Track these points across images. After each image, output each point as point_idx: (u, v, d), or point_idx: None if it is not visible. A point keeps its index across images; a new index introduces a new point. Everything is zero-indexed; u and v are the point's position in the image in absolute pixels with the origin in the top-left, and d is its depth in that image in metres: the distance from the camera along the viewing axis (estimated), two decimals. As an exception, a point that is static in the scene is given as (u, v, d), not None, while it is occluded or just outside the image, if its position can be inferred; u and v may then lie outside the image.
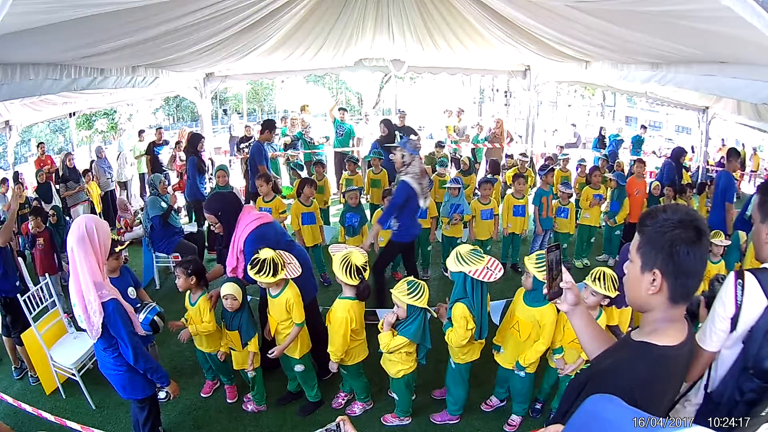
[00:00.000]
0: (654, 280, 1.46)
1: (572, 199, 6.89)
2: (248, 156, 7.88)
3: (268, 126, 7.70)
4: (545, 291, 1.71)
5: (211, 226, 4.01)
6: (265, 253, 3.48)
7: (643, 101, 20.06)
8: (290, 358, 3.80)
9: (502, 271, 3.43)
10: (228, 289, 3.68)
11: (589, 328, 1.76)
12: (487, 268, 3.32)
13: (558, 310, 3.38)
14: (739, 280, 1.99)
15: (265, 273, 3.42)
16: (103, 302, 2.84)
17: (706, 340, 2.04)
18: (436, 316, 3.62)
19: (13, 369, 4.66)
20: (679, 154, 8.48)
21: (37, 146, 9.45)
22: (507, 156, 10.65)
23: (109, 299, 2.87)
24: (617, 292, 3.25)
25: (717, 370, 2.08)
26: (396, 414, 3.87)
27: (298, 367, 3.84)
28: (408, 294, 3.33)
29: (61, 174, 8.76)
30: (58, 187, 8.69)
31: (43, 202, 8.24)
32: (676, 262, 1.41)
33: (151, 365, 3.13)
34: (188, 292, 3.93)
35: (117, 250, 3.87)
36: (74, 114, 10.68)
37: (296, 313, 3.61)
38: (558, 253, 1.66)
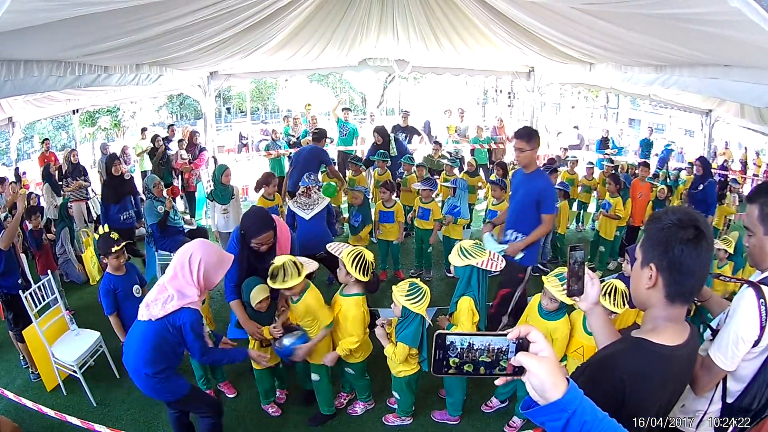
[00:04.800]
0: (651, 275, 1.50)
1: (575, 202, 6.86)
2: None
3: (324, 135, 7.71)
4: (565, 288, 1.72)
5: (261, 247, 3.61)
6: (280, 260, 3.36)
7: (647, 104, 20.03)
8: (309, 363, 3.72)
9: (504, 262, 3.55)
10: (261, 293, 3.57)
11: (605, 329, 1.78)
12: (491, 260, 3.44)
13: (570, 324, 3.41)
14: (762, 300, 1.89)
15: (288, 278, 3.31)
16: (187, 307, 2.84)
17: (728, 363, 1.93)
18: (433, 325, 3.59)
19: (21, 358, 4.67)
20: (709, 165, 7.89)
21: (42, 142, 9.44)
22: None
23: (195, 309, 2.88)
24: (625, 308, 3.21)
25: (733, 380, 2.03)
26: (397, 414, 3.86)
27: (314, 376, 3.75)
28: (406, 296, 3.32)
29: (64, 170, 8.77)
30: (61, 183, 8.71)
31: (55, 195, 8.33)
32: (671, 259, 1.45)
33: (223, 357, 3.25)
34: None
35: (114, 250, 3.86)
36: (77, 111, 10.70)
37: (323, 315, 3.52)
38: (582, 253, 1.67)
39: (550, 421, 1.11)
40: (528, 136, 4.25)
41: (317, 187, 5.36)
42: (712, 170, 7.99)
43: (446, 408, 3.90)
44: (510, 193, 4.78)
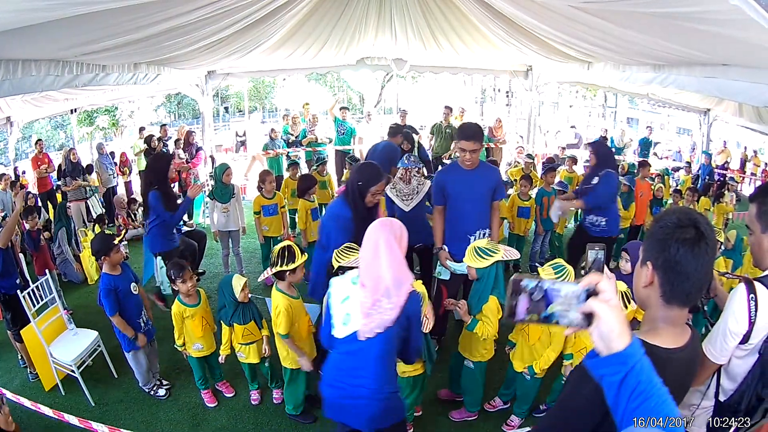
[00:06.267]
0: (647, 273, 1.50)
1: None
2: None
3: (399, 131, 7.42)
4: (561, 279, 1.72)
5: (375, 198, 3.72)
6: (283, 243, 3.53)
7: (645, 103, 20.04)
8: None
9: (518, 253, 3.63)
10: (241, 280, 3.71)
11: None
12: (506, 249, 3.51)
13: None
14: (752, 295, 1.95)
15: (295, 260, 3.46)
16: (411, 292, 2.44)
17: (717, 355, 2.00)
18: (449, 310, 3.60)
19: (19, 358, 4.65)
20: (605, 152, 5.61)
21: (36, 143, 9.39)
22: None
23: (415, 291, 2.49)
24: (627, 309, 3.19)
25: (727, 378, 2.06)
26: None
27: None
28: None
29: (63, 169, 8.75)
30: (59, 183, 8.70)
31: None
32: (666, 258, 1.44)
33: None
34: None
35: (116, 242, 3.87)
36: (75, 110, 10.69)
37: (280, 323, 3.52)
38: (601, 252, 1.68)
39: (609, 375, 1.13)
40: (478, 135, 4.02)
41: (417, 169, 5.01)
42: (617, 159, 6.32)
43: (464, 406, 3.90)
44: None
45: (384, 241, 2.41)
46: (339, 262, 3.46)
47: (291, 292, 3.60)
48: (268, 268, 3.55)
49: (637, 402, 1.10)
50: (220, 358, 3.96)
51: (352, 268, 3.44)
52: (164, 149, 9.80)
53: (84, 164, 9.21)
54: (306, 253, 3.63)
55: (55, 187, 8.92)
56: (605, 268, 1.70)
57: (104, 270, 3.91)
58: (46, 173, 8.86)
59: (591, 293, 1.15)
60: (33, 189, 8.95)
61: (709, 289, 2.31)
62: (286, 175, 7.98)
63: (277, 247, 3.52)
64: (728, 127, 13.16)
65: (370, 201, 3.69)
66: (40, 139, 9.60)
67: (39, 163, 8.92)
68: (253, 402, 4.12)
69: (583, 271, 1.73)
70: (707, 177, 11.15)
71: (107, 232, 4.02)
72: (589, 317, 1.15)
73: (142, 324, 4.03)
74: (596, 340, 1.14)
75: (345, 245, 3.57)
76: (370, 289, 2.39)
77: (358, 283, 2.45)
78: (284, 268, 3.45)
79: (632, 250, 3.47)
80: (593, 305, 1.13)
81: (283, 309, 3.45)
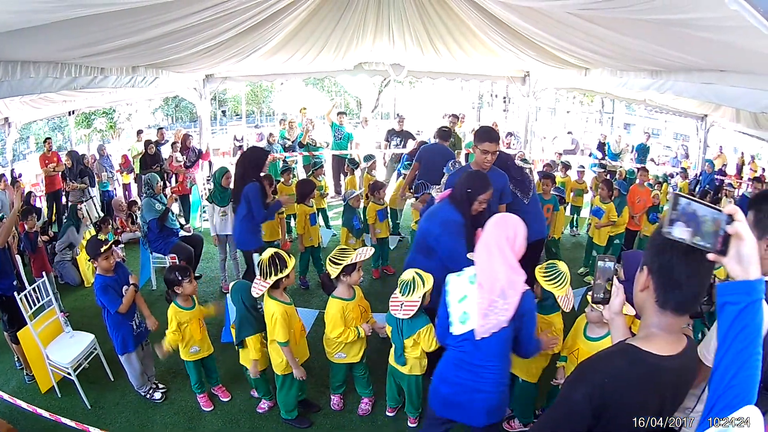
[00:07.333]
0: (644, 277, 1.52)
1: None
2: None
3: (449, 134, 7.22)
4: (588, 295, 1.74)
5: (482, 206, 3.72)
6: (269, 252, 3.51)
7: (642, 108, 20.09)
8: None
9: None
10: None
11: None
12: None
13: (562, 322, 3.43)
14: None
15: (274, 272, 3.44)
16: (525, 291, 2.49)
17: (710, 358, 1.97)
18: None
19: (15, 359, 4.63)
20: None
21: (44, 142, 9.33)
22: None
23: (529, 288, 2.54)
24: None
25: None
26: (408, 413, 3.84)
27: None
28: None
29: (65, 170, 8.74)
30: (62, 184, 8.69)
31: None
32: (661, 263, 1.46)
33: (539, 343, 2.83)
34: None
35: (102, 250, 3.85)
36: (73, 112, 10.68)
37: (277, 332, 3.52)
38: (611, 264, 1.71)
39: (732, 303, 1.19)
40: (498, 138, 4.27)
41: None
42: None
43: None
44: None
45: (495, 244, 2.49)
46: (337, 268, 3.51)
47: (284, 298, 3.59)
48: (259, 280, 3.50)
49: (741, 345, 1.17)
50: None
51: (355, 266, 3.57)
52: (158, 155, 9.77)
53: (82, 167, 9.17)
54: (293, 257, 3.62)
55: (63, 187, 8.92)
56: (615, 279, 1.71)
57: (98, 271, 3.92)
58: (54, 171, 8.79)
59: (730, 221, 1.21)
60: (33, 189, 8.94)
61: (711, 295, 2.32)
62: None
63: (265, 258, 3.47)
64: (725, 133, 13.22)
65: (476, 209, 3.71)
66: (48, 138, 9.55)
67: (47, 161, 8.83)
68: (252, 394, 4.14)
69: (592, 283, 1.75)
70: (707, 185, 11.16)
71: (100, 237, 4.00)
72: (725, 245, 1.21)
73: (135, 326, 4.02)
74: (734, 265, 1.19)
75: (338, 248, 3.66)
76: (487, 289, 2.45)
77: (476, 283, 2.51)
78: (280, 275, 3.44)
79: (626, 258, 3.44)
80: (739, 227, 1.18)
81: (279, 316, 3.43)
